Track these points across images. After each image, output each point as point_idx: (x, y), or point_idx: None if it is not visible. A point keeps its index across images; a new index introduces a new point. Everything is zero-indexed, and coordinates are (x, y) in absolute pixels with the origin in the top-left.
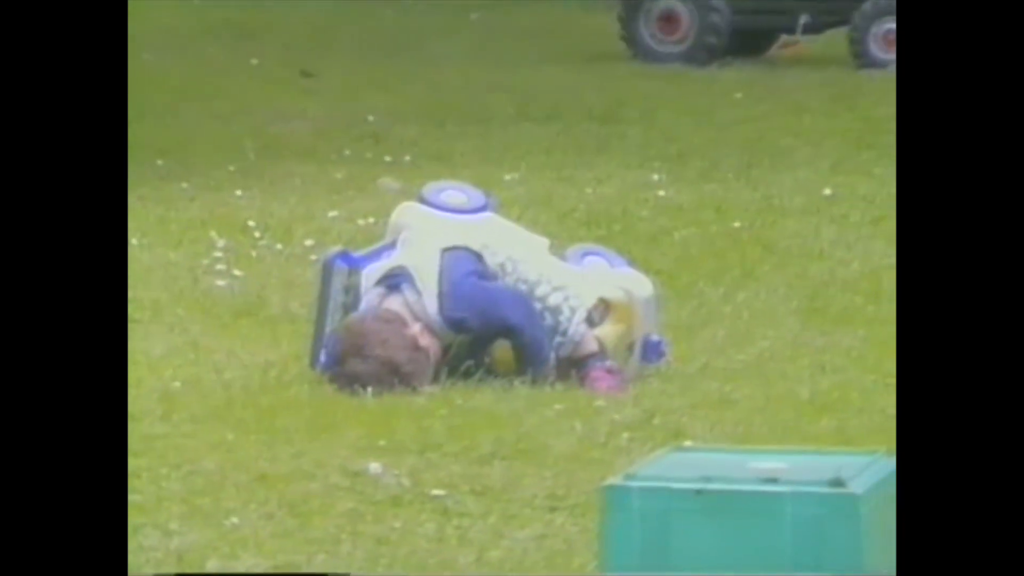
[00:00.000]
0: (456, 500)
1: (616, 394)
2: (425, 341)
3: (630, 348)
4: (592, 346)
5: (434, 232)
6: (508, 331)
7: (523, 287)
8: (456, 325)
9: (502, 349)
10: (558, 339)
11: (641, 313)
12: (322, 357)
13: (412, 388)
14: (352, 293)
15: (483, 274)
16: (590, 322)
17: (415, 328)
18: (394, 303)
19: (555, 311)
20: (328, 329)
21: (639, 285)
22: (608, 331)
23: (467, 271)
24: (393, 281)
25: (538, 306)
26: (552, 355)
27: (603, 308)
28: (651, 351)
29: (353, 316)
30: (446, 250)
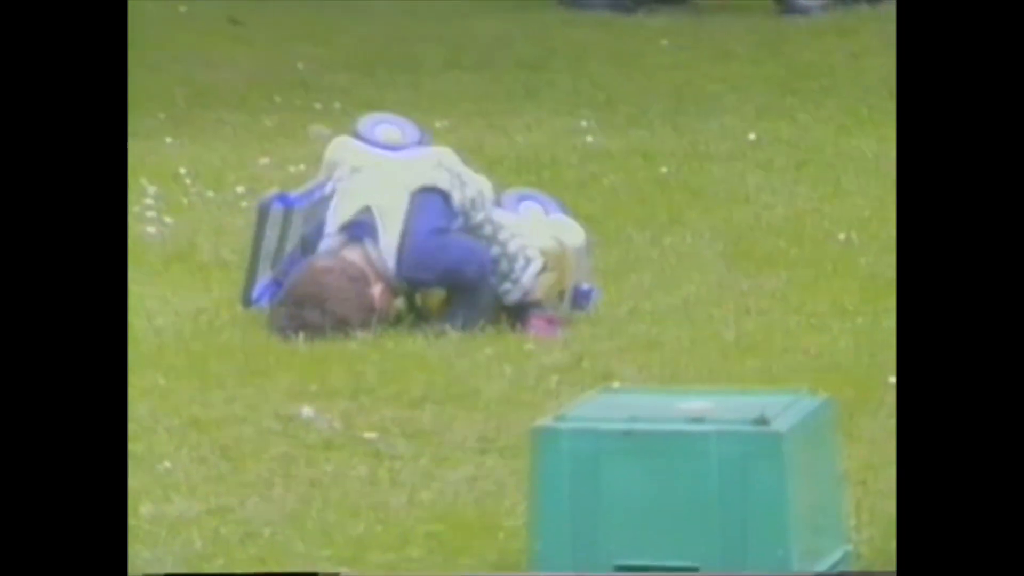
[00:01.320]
0: (388, 443)
1: (554, 341)
2: (383, 303)
3: (561, 296)
4: (536, 295)
5: (394, 171)
6: (463, 287)
7: (489, 228)
8: (414, 284)
9: (435, 295)
10: (507, 285)
11: (573, 262)
12: (267, 294)
13: (346, 333)
14: (287, 232)
15: (446, 228)
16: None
17: (376, 288)
18: (354, 254)
19: (512, 258)
20: (261, 269)
21: (572, 233)
22: (541, 280)
23: (431, 228)
24: (356, 231)
25: (496, 250)
26: (486, 304)
27: (540, 255)
28: (581, 298)
29: (318, 264)
30: (415, 192)
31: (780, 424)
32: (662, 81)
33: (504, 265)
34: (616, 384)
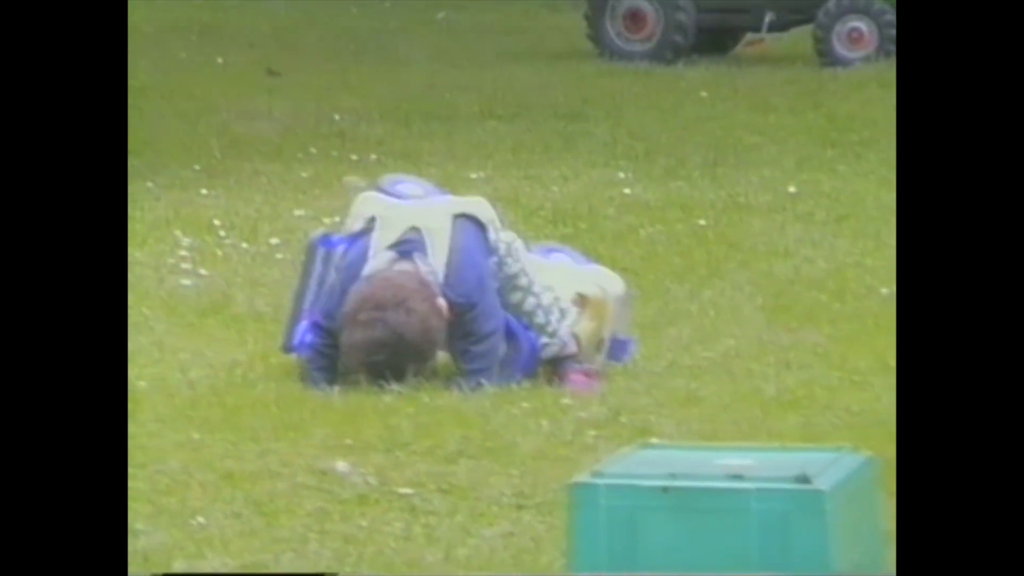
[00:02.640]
0: (423, 498)
1: (592, 395)
2: (445, 314)
3: (599, 346)
4: (573, 348)
5: (440, 201)
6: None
7: (524, 279)
8: (456, 299)
9: None
10: (544, 339)
11: (614, 310)
12: (307, 338)
13: (416, 366)
14: (326, 276)
15: (485, 258)
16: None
17: (440, 300)
18: (406, 267)
19: (547, 311)
20: (303, 310)
21: (612, 282)
22: (583, 327)
23: (476, 250)
24: (405, 248)
25: (532, 302)
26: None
27: (579, 303)
28: (619, 349)
29: (385, 272)
30: (457, 216)
31: (822, 482)
32: (701, 132)
33: (540, 317)
34: (654, 439)
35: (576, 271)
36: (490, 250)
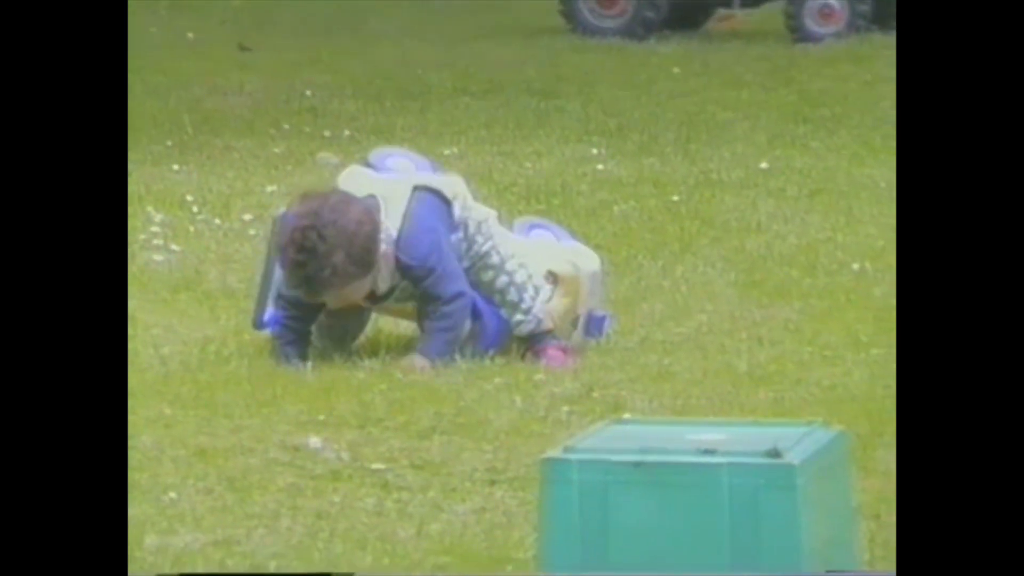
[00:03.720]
0: (396, 474)
1: (568, 371)
2: (385, 263)
3: (574, 323)
4: (548, 325)
5: (404, 176)
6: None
7: (496, 257)
8: (411, 272)
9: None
10: (518, 317)
11: (587, 287)
12: (276, 321)
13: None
14: None
15: (443, 230)
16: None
17: (385, 247)
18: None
19: (520, 287)
20: (272, 289)
21: (586, 259)
22: (555, 304)
23: (431, 224)
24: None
25: (504, 280)
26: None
27: (551, 281)
28: (594, 325)
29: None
30: (418, 187)
31: (793, 456)
32: (673, 108)
33: (513, 295)
34: (627, 415)
35: (549, 249)
36: (454, 225)
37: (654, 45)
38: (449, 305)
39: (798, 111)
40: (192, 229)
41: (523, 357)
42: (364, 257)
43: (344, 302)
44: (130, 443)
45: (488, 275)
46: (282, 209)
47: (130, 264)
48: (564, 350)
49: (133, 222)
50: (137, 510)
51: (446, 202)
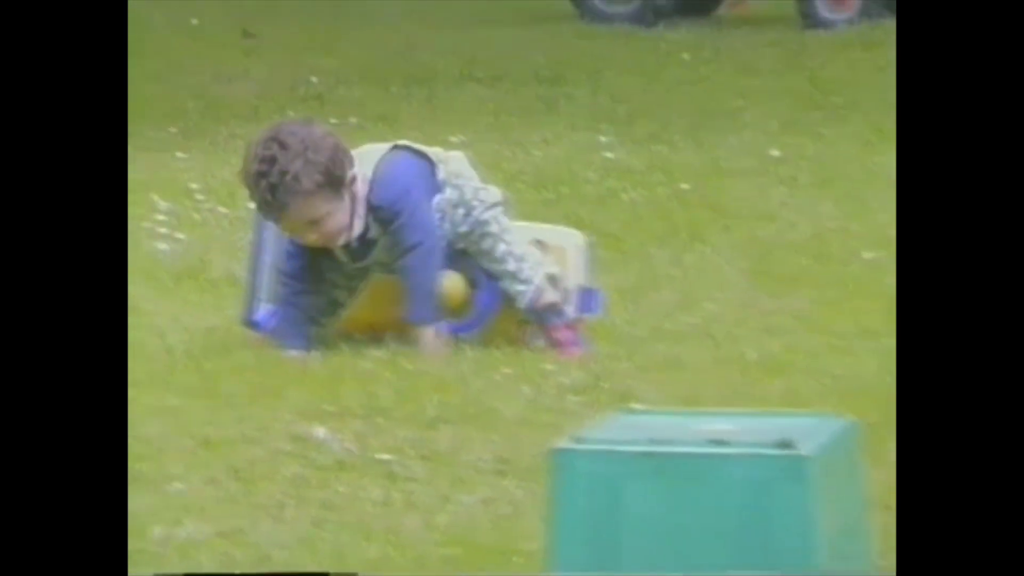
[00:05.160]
0: (403, 465)
1: (581, 356)
2: (353, 192)
3: (566, 297)
4: (551, 296)
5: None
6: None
7: (495, 226)
8: (380, 214)
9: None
10: (518, 287)
11: (574, 259)
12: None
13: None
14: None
15: (419, 184)
16: None
17: (355, 176)
18: None
19: (519, 258)
20: (265, 285)
21: (569, 234)
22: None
23: (404, 174)
24: None
25: (503, 248)
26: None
27: (540, 250)
28: (588, 300)
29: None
30: (397, 146)
31: (805, 447)
32: (683, 95)
33: (511, 264)
34: (636, 405)
35: (529, 226)
36: (437, 185)
37: (663, 31)
38: (407, 256)
39: (810, 98)
40: (197, 217)
41: (522, 337)
42: (329, 168)
43: (315, 231)
44: (134, 433)
45: (487, 243)
46: None
47: (134, 252)
48: (573, 328)
49: (137, 210)
50: (141, 501)
51: (429, 163)
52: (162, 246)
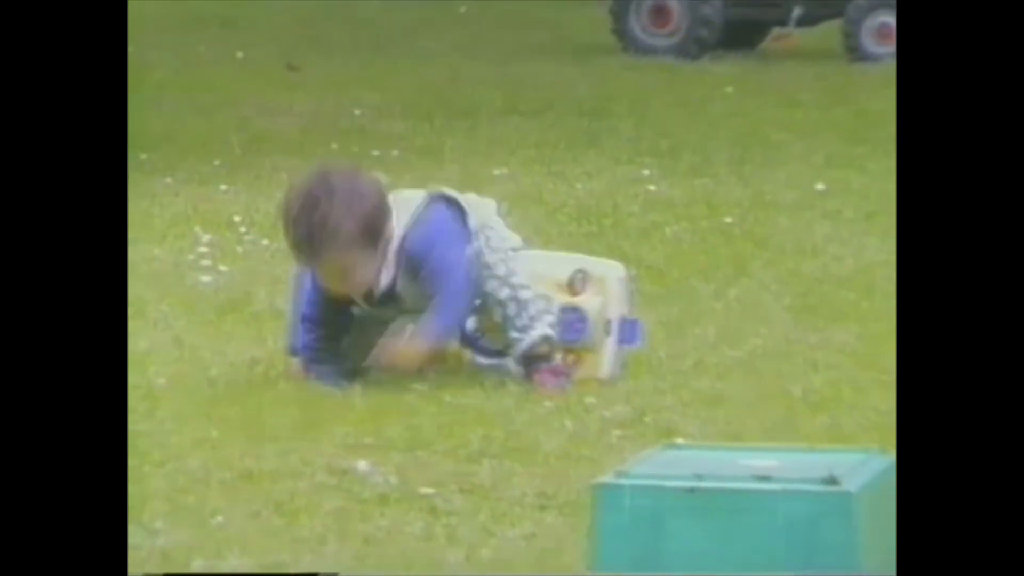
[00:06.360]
0: (445, 499)
1: (560, 393)
2: (388, 235)
3: (607, 328)
4: (543, 349)
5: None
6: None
7: (503, 268)
8: (411, 262)
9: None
10: (513, 334)
11: (615, 289)
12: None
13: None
14: None
15: (459, 235)
16: (572, 290)
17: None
18: None
19: (522, 304)
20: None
21: (611, 266)
22: (591, 301)
23: (439, 222)
24: None
25: (507, 292)
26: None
27: (582, 278)
28: (629, 332)
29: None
30: (433, 193)
31: (850, 483)
32: (727, 129)
33: (512, 309)
34: (679, 440)
35: (573, 256)
36: (468, 232)
37: (707, 64)
38: (436, 298)
39: (855, 132)
40: (240, 250)
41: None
42: (369, 221)
43: (343, 280)
44: (177, 466)
45: (491, 284)
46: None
47: (177, 285)
48: (556, 372)
49: (180, 243)
50: (184, 534)
51: (461, 211)
52: (205, 278)
